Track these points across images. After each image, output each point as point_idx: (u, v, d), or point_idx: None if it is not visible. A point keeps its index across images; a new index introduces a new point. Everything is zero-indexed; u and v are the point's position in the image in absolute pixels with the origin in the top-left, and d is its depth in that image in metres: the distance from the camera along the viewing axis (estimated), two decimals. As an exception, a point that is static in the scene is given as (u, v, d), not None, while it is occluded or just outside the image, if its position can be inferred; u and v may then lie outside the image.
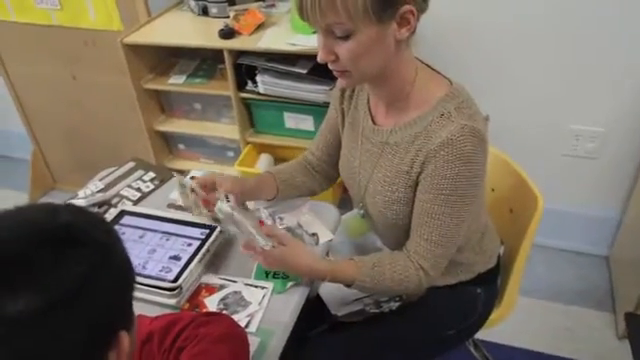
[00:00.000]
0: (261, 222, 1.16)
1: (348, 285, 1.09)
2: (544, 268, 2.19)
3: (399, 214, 1.10)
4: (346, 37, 0.93)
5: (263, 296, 1.09)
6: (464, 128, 0.96)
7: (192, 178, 1.19)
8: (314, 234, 1.21)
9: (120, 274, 0.63)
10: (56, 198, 2.75)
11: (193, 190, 1.16)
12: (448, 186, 0.99)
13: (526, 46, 1.89)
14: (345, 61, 0.96)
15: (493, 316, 1.33)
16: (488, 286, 1.29)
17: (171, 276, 1.08)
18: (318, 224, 1.23)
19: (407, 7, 0.92)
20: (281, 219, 1.24)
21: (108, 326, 0.59)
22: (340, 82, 1.04)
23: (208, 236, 1.17)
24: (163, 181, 1.45)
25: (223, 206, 1.10)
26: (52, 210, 0.60)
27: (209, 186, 1.17)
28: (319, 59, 0.99)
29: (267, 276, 1.13)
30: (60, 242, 0.56)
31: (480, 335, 1.36)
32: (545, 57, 1.89)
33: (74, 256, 0.55)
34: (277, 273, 1.13)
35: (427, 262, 1.06)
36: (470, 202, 1.03)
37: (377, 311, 1.22)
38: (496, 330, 1.40)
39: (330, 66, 1.00)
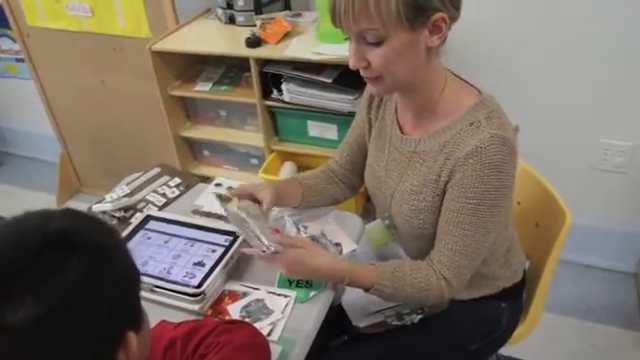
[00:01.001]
0: (276, 231, 1.16)
1: (367, 289, 1.08)
2: (570, 284, 2.15)
3: (426, 223, 1.09)
4: (378, 43, 0.93)
5: (286, 305, 1.08)
6: (494, 137, 0.96)
7: (227, 188, 1.20)
8: (338, 244, 1.21)
9: (122, 274, 0.63)
10: (82, 201, 2.80)
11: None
12: (476, 195, 0.98)
13: (556, 58, 1.87)
14: (377, 67, 0.97)
15: (517, 332, 1.31)
16: (513, 301, 1.26)
17: (195, 282, 1.09)
18: (342, 234, 1.23)
19: (440, 15, 0.92)
20: (305, 228, 1.24)
21: (113, 327, 0.60)
22: (371, 89, 1.04)
23: (232, 243, 1.18)
24: (188, 187, 1.46)
25: (232, 208, 1.10)
26: (46, 216, 0.60)
27: (245, 197, 1.16)
28: (351, 65, 0.99)
29: (290, 285, 1.13)
30: (55, 248, 0.56)
31: (503, 351, 1.33)
32: (575, 70, 1.87)
33: (70, 260, 0.56)
34: (300, 282, 1.13)
35: (450, 272, 1.04)
36: (497, 213, 1.01)
37: (399, 323, 1.21)
38: (520, 346, 1.37)
39: (362, 72, 1.00)
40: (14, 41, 2.65)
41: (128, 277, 0.64)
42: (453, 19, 0.96)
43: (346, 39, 0.98)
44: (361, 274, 1.07)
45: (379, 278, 1.06)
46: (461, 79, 1.09)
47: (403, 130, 1.14)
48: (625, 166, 1.97)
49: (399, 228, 1.18)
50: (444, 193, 1.04)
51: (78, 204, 2.64)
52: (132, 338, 0.61)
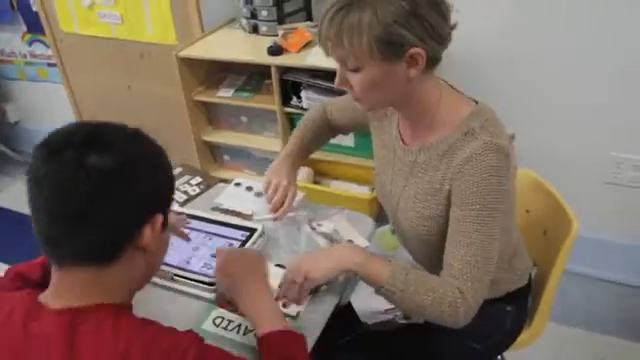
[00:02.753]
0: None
1: (379, 287, 1.04)
2: (583, 297, 2.15)
3: (431, 230, 1.12)
4: (356, 70, 0.99)
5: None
6: (487, 144, 0.99)
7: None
8: (350, 241, 1.25)
9: (166, 173, 0.84)
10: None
11: None
12: (477, 200, 1.00)
13: (567, 71, 1.90)
14: (356, 91, 1.02)
15: (522, 337, 1.33)
16: (518, 305, 1.29)
17: (212, 272, 1.14)
18: (354, 232, 1.28)
19: (415, 50, 0.95)
20: (319, 226, 1.29)
21: (151, 200, 0.80)
22: (358, 107, 1.10)
23: (248, 238, 1.24)
24: (209, 186, 1.52)
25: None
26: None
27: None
28: (335, 85, 1.05)
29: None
30: (136, 134, 0.81)
31: (511, 359, 1.35)
32: (585, 82, 1.89)
33: (143, 144, 0.81)
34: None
35: (463, 285, 1.01)
36: (499, 217, 1.02)
37: (406, 322, 1.24)
38: (530, 356, 1.38)
39: (348, 92, 1.06)
40: (46, 46, 2.77)
41: (169, 175, 0.85)
42: (435, 52, 0.99)
43: None
44: (376, 263, 1.05)
45: (391, 276, 1.02)
46: (457, 91, 1.12)
47: (405, 141, 1.17)
48: (638, 180, 1.98)
49: (406, 234, 1.21)
50: (449, 203, 1.06)
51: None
52: (159, 221, 0.80)
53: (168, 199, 0.85)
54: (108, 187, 0.73)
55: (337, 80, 1.04)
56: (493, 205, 1.00)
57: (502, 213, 1.02)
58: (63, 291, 0.78)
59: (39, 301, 0.79)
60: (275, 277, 1.12)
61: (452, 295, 1.00)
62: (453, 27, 1.01)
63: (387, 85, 1.00)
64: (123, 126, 0.81)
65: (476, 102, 1.09)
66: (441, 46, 0.99)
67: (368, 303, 1.29)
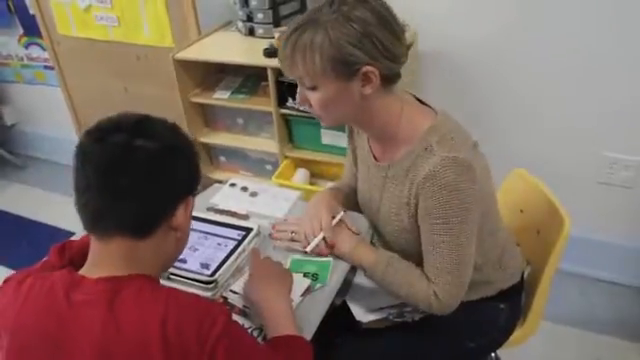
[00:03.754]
0: None
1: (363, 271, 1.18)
2: (578, 296, 2.17)
3: (409, 242, 1.15)
4: (313, 88, 1.02)
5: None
6: (444, 160, 1.01)
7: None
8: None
9: (196, 161, 0.93)
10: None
11: None
12: (440, 215, 1.04)
13: (561, 74, 1.92)
14: (315, 108, 1.06)
15: (516, 334, 1.35)
16: (511, 302, 1.31)
17: (209, 271, 1.16)
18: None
19: (368, 68, 0.98)
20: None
21: (185, 183, 0.90)
22: (320, 122, 1.12)
23: (244, 237, 1.25)
24: (204, 187, 1.53)
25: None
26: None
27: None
28: (296, 103, 1.09)
29: (302, 266, 1.20)
30: (174, 127, 0.90)
31: (507, 358, 1.36)
32: (580, 84, 1.91)
33: (180, 135, 0.90)
34: (307, 274, 1.19)
35: (436, 287, 1.09)
36: (468, 228, 1.06)
37: (399, 320, 1.26)
38: (525, 354, 1.39)
39: (309, 109, 1.09)
40: (43, 49, 2.78)
41: (198, 163, 0.93)
42: (389, 69, 1.02)
43: None
44: (362, 253, 1.18)
45: (374, 264, 1.15)
46: (420, 101, 1.15)
47: (376, 157, 1.20)
48: (631, 181, 2.00)
49: (390, 245, 1.24)
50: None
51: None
52: (190, 203, 0.90)
53: (197, 185, 0.94)
54: (151, 167, 0.83)
55: (298, 98, 1.08)
56: (456, 218, 1.04)
57: (469, 224, 1.06)
58: (102, 261, 0.85)
59: (78, 274, 0.85)
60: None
61: (426, 293, 1.10)
62: (409, 46, 1.04)
63: (343, 102, 1.04)
64: (164, 119, 0.91)
65: (436, 112, 1.11)
66: (395, 64, 1.02)
67: (363, 302, 1.30)
